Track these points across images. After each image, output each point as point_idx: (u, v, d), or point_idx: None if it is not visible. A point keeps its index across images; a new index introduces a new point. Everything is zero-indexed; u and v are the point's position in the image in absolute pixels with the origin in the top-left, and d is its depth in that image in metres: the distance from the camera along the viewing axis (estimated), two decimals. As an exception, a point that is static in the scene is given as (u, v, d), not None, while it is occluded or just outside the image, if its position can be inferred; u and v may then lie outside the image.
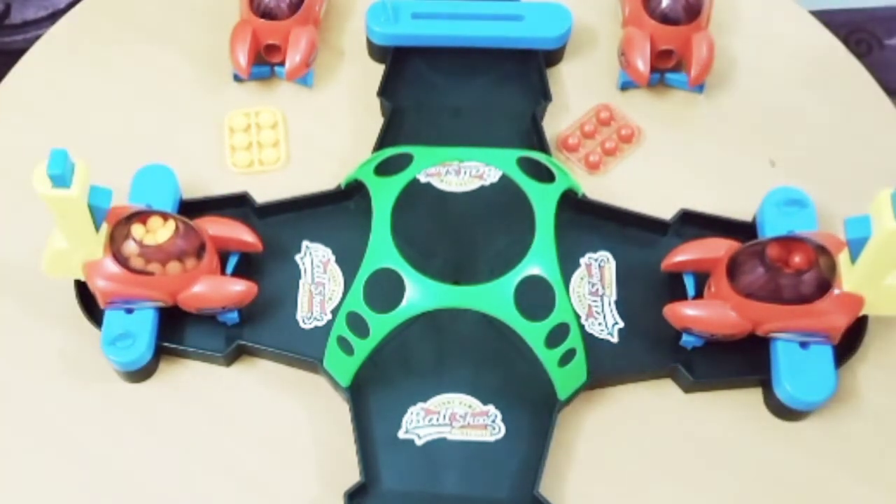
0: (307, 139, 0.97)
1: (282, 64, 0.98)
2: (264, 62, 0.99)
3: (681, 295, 0.86)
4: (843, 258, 0.79)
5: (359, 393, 0.83)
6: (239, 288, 0.84)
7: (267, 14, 0.98)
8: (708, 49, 0.96)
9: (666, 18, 0.97)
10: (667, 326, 0.84)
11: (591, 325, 0.86)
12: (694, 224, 0.90)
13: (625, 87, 1.00)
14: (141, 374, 0.85)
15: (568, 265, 0.86)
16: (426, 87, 0.99)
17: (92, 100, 1.00)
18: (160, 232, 0.81)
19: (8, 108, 1.00)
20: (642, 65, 0.96)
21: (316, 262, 0.89)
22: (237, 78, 1.00)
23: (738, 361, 0.85)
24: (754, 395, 0.86)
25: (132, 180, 0.90)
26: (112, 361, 0.84)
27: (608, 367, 0.85)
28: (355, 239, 0.85)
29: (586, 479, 0.82)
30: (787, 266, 0.80)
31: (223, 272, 0.86)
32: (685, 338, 0.85)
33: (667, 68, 0.98)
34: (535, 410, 0.83)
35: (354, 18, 1.04)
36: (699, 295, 0.86)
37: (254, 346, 0.86)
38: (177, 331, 0.86)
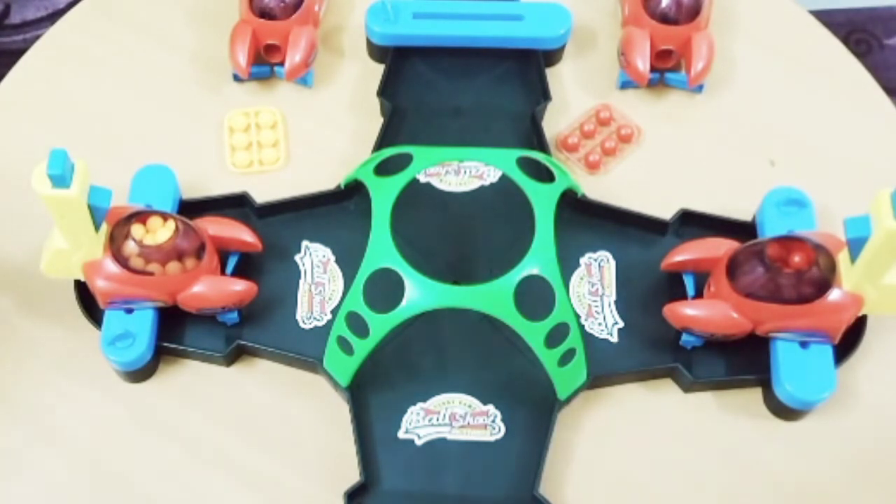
0: (307, 139, 0.98)
1: (281, 64, 0.98)
2: (264, 62, 0.99)
3: (681, 295, 0.86)
4: (842, 258, 0.79)
5: (359, 393, 0.83)
6: (239, 288, 0.84)
7: (267, 14, 0.98)
8: (708, 49, 0.96)
9: (665, 18, 0.97)
10: (667, 326, 0.84)
11: (590, 324, 0.86)
12: (694, 224, 0.90)
13: (624, 86, 0.99)
14: (141, 374, 0.85)
15: (568, 265, 0.86)
16: (426, 87, 0.99)
17: (92, 100, 1.00)
18: (160, 232, 0.81)
19: (8, 108, 1.00)
20: (642, 64, 0.96)
21: (316, 262, 0.89)
22: (237, 78, 1.00)
23: (738, 361, 0.85)
24: (754, 395, 0.86)
25: (132, 180, 0.90)
26: (112, 361, 0.84)
27: (608, 366, 0.85)
28: (355, 239, 0.85)
29: (586, 479, 0.82)
30: (786, 266, 0.80)
31: (223, 272, 0.86)
32: (685, 338, 0.85)
33: (666, 68, 0.99)
34: (534, 410, 0.83)
35: (354, 18, 1.04)
36: (699, 295, 0.86)
37: (254, 346, 0.86)
38: (177, 331, 0.86)
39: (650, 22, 0.97)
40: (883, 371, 0.87)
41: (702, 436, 0.84)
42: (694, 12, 0.97)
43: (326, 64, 1.02)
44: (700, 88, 0.99)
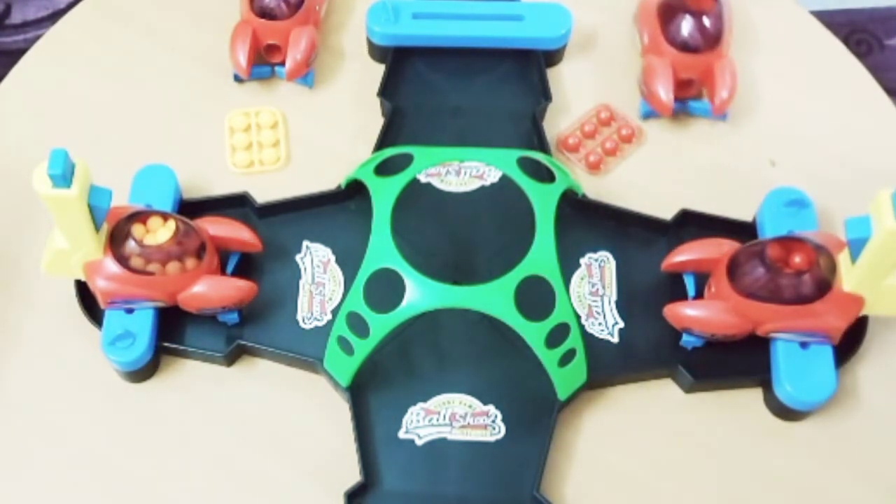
0: (307, 139, 0.97)
1: (282, 64, 0.98)
2: (264, 62, 0.99)
3: (681, 295, 0.86)
4: (843, 258, 0.79)
5: (359, 393, 0.83)
6: (239, 288, 0.84)
7: (267, 14, 0.98)
8: (731, 77, 0.94)
9: (686, 47, 0.95)
10: (667, 326, 0.84)
11: (591, 325, 0.86)
12: (694, 224, 0.90)
13: (647, 116, 0.97)
14: (141, 374, 0.85)
15: (568, 265, 0.86)
16: (426, 87, 0.99)
17: (92, 100, 1.00)
18: (160, 232, 0.81)
19: (8, 108, 1.00)
20: (665, 95, 0.94)
21: (316, 262, 0.89)
22: (237, 78, 1.00)
23: (738, 361, 0.85)
24: (754, 395, 0.86)
25: (132, 180, 0.90)
26: (112, 361, 0.84)
27: (608, 367, 0.85)
28: (355, 239, 0.85)
29: (586, 479, 0.82)
30: (787, 266, 0.80)
31: (223, 272, 0.86)
32: (685, 338, 0.85)
33: (687, 97, 0.96)
34: (535, 410, 0.83)
35: (354, 18, 1.04)
36: (699, 295, 0.86)
37: (254, 346, 0.86)
38: (177, 331, 0.86)
39: (670, 51, 0.95)
40: (884, 372, 0.86)
41: (702, 436, 0.84)
42: (715, 40, 0.95)
43: (326, 64, 1.02)
44: (724, 117, 0.97)
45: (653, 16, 0.97)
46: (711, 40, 0.95)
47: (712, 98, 0.95)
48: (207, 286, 0.83)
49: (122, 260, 0.81)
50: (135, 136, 0.97)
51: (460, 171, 0.94)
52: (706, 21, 0.95)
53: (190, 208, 0.90)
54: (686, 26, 0.95)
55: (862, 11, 1.54)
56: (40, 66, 1.02)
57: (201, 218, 0.86)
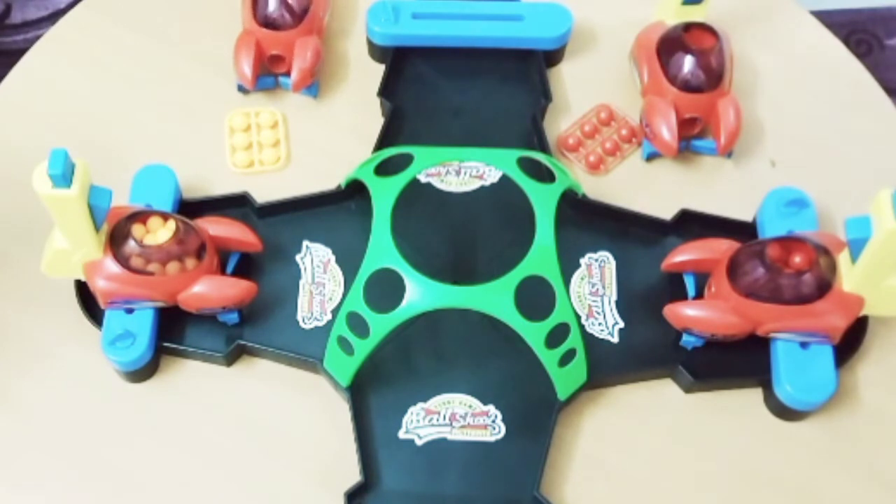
0: (307, 139, 0.97)
1: (286, 74, 0.97)
2: (268, 72, 0.98)
3: (681, 295, 0.86)
4: (843, 258, 0.79)
5: (359, 393, 0.83)
6: (239, 288, 0.84)
7: (271, 24, 0.97)
8: (735, 115, 0.92)
9: (688, 86, 0.93)
10: (667, 326, 0.84)
11: (591, 325, 0.86)
12: (694, 224, 0.90)
13: (650, 157, 0.96)
14: (141, 374, 0.85)
15: (568, 265, 0.86)
16: (426, 87, 0.99)
17: (92, 100, 1.00)
18: (160, 232, 0.81)
19: (8, 108, 1.00)
20: (669, 136, 0.92)
21: (316, 262, 0.89)
22: (241, 89, 0.99)
23: (739, 361, 0.85)
24: (754, 395, 0.86)
25: (132, 180, 0.90)
26: (112, 361, 0.84)
27: (608, 367, 0.85)
28: (355, 239, 0.85)
29: (586, 479, 0.82)
30: (787, 266, 0.80)
31: (223, 272, 0.86)
32: (685, 338, 0.85)
33: (691, 135, 0.95)
34: (535, 410, 0.83)
35: (355, 19, 1.04)
36: (699, 295, 0.86)
37: (254, 346, 0.86)
38: (177, 331, 0.86)
39: (672, 90, 0.93)
40: (884, 372, 0.86)
41: (702, 436, 0.84)
42: (717, 78, 0.93)
43: (327, 64, 1.01)
44: (730, 155, 0.95)
45: (651, 54, 0.95)
46: (714, 78, 0.93)
47: (717, 137, 0.93)
48: (207, 286, 0.83)
49: (122, 260, 0.81)
50: (135, 136, 0.97)
51: (460, 171, 0.94)
52: (708, 59, 0.93)
53: (190, 208, 0.90)
54: (688, 65, 0.93)
55: (862, 11, 1.54)
56: (40, 66, 1.02)
57: (201, 218, 0.86)
